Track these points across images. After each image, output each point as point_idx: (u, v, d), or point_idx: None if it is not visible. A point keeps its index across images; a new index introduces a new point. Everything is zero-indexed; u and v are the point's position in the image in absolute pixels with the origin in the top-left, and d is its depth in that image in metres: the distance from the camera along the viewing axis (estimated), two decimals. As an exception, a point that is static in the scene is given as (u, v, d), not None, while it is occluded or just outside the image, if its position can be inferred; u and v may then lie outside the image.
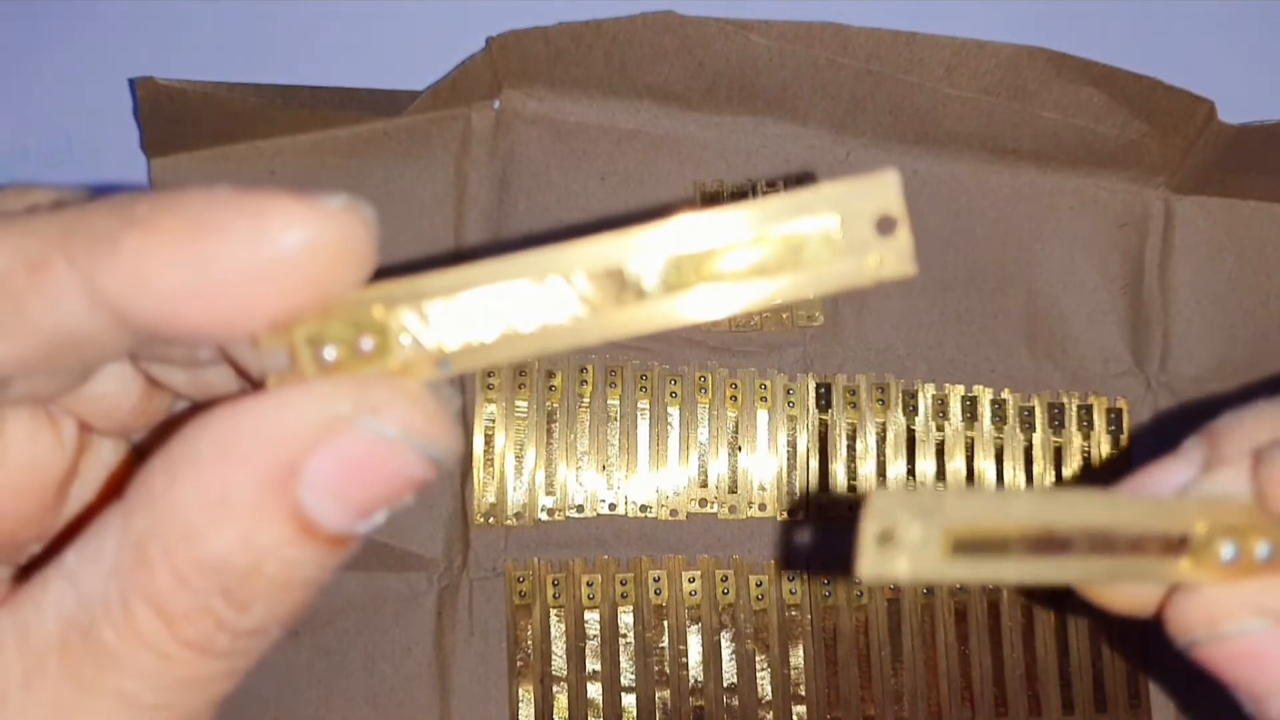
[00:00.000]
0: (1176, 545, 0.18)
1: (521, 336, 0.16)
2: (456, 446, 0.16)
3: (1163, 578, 0.19)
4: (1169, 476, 0.20)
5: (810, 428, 0.45)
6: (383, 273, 0.17)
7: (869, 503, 0.17)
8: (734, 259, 0.16)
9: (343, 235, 0.15)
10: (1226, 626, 0.18)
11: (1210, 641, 0.18)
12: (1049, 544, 0.18)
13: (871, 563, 0.17)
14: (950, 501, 0.17)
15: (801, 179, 0.46)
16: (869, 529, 0.17)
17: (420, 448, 0.16)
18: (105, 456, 0.19)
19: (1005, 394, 0.46)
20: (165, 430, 0.19)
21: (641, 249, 0.16)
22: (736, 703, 0.44)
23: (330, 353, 0.16)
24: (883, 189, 0.16)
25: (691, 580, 0.44)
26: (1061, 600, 0.45)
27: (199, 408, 0.17)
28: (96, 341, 0.16)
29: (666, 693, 0.44)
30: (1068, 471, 0.46)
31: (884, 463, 0.45)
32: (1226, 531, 0.18)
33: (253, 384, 0.17)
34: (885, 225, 0.16)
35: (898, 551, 0.17)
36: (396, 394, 0.16)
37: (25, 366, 0.16)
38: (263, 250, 0.15)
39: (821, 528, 0.45)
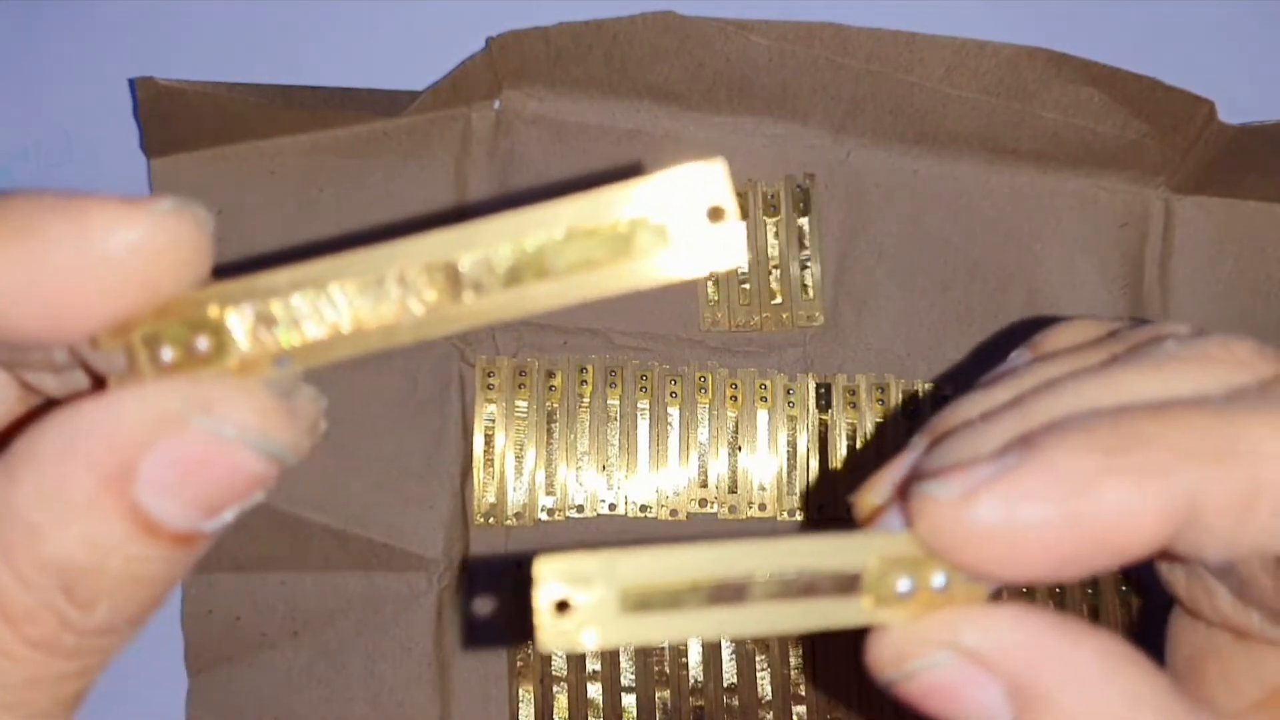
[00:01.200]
0: (851, 584, 0.18)
1: (362, 333, 0.16)
2: (299, 443, 0.17)
3: (848, 620, 0.18)
4: (893, 470, 0.21)
5: (810, 428, 0.45)
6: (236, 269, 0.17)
7: (537, 572, 0.16)
8: (567, 251, 0.16)
9: (170, 237, 0.16)
10: (914, 663, 0.18)
11: (903, 680, 0.18)
12: (726, 594, 0.17)
13: (551, 635, 0.16)
14: (621, 561, 0.17)
15: (802, 180, 0.46)
16: (542, 599, 0.16)
17: (258, 445, 0.16)
18: None
19: (1005, 394, 0.46)
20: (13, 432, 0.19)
21: (474, 244, 0.16)
22: (736, 703, 0.44)
23: (167, 353, 0.16)
24: (710, 178, 0.16)
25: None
26: (1060, 598, 0.45)
27: (44, 408, 0.17)
28: None
29: (666, 693, 0.44)
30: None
31: (884, 462, 0.45)
32: (899, 565, 0.18)
33: (99, 385, 0.18)
34: (715, 215, 0.16)
35: (577, 619, 0.16)
36: (231, 392, 0.16)
37: None
38: (86, 252, 0.15)
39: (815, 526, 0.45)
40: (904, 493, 0.19)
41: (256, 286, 0.16)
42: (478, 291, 0.16)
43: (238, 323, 0.16)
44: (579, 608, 0.16)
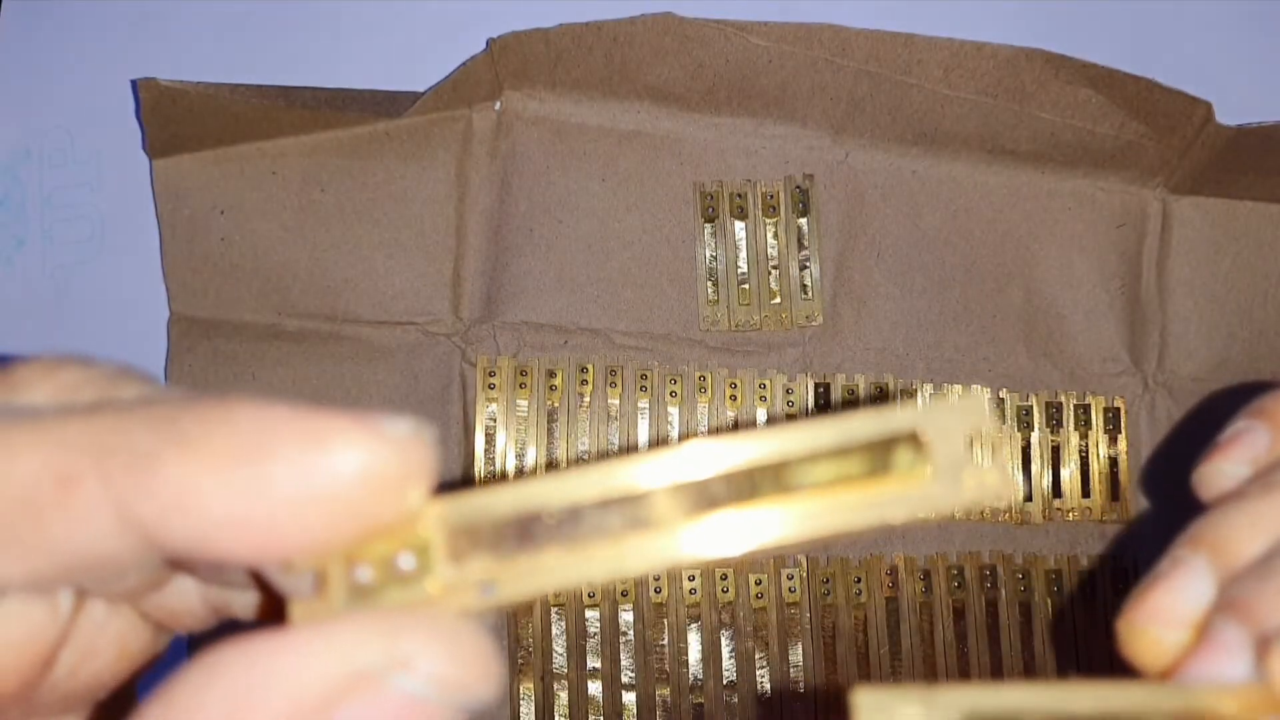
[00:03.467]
0: None
1: (578, 559, 0.15)
2: (495, 689, 0.14)
3: None
4: (1175, 597, 0.20)
5: (809, 427, 0.45)
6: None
7: (856, 703, 0.15)
8: (814, 471, 0.15)
9: (404, 465, 0.14)
10: None
11: None
12: None
13: None
14: (945, 696, 0.15)
15: (801, 181, 0.46)
16: None
17: (460, 703, 0.14)
18: (98, 617, 0.17)
19: (1003, 393, 0.46)
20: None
21: (708, 465, 0.15)
22: (736, 700, 0.44)
23: (365, 573, 0.15)
24: (973, 410, 0.15)
25: (691, 578, 0.44)
26: (1060, 597, 0.45)
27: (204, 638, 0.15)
28: (118, 561, 0.14)
29: (666, 690, 0.44)
30: (1065, 470, 0.46)
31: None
32: (1261, 709, 0.17)
33: (269, 598, 0.16)
34: (973, 443, 0.15)
35: None
36: (433, 640, 0.14)
37: (32, 584, 0.15)
38: (317, 481, 0.14)
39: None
40: (1207, 632, 0.18)
41: (477, 505, 0.15)
42: (711, 507, 0.15)
43: (452, 541, 0.15)
44: None
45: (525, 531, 0.15)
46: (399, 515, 0.14)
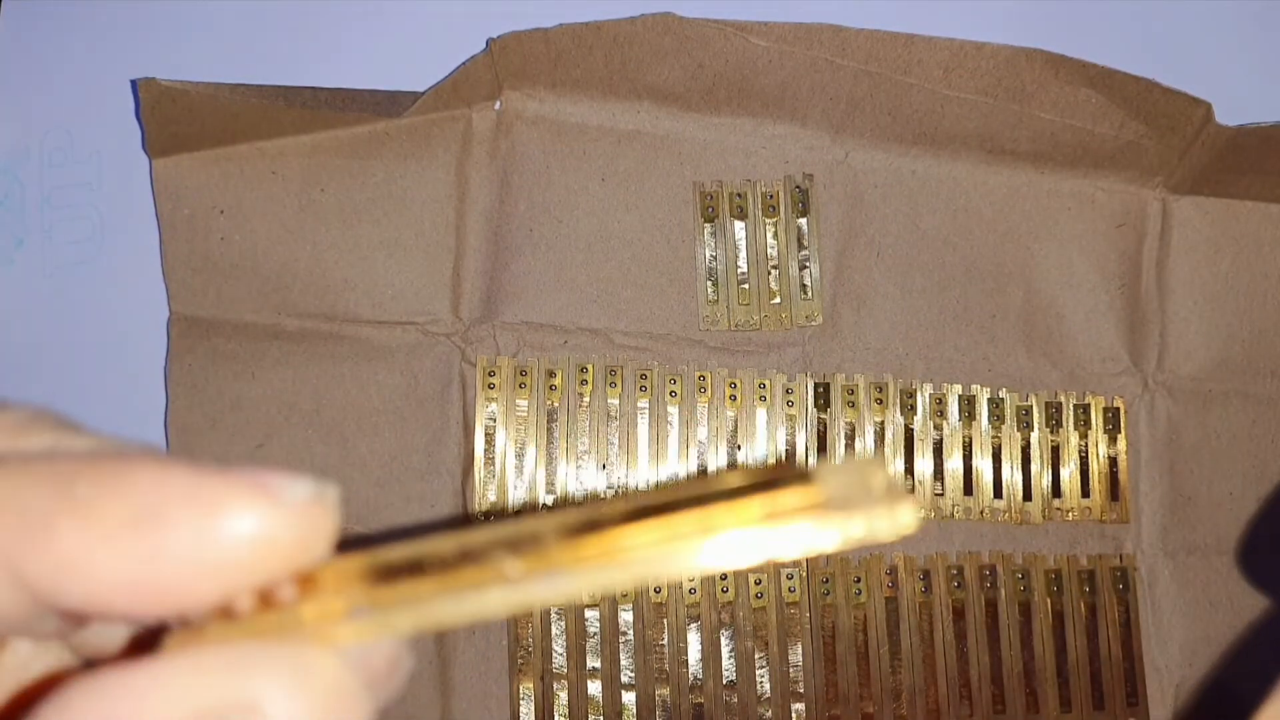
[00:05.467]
0: None
1: (456, 590, 0.15)
2: (365, 715, 0.14)
3: None
4: None
5: (809, 426, 0.45)
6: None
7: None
8: (709, 512, 0.15)
9: (302, 530, 0.14)
10: None
11: None
12: None
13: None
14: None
15: (801, 181, 0.46)
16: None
17: None
18: (23, 656, 0.17)
19: (1003, 393, 0.46)
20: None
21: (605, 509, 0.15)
22: (735, 700, 0.44)
23: (243, 600, 0.15)
24: (872, 466, 0.15)
25: (691, 578, 0.44)
26: (1060, 598, 0.45)
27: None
28: (10, 616, 0.14)
29: (666, 690, 0.44)
30: (1065, 470, 0.46)
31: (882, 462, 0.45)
32: None
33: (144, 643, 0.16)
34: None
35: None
36: (284, 677, 0.14)
37: None
38: (210, 547, 0.14)
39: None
40: None
41: (373, 558, 0.15)
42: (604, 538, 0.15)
43: (328, 575, 0.15)
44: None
45: (415, 569, 0.15)
46: (295, 572, 0.14)
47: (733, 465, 0.45)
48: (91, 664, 0.17)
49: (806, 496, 0.14)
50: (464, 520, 0.45)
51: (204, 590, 0.14)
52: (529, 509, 0.44)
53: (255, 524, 0.14)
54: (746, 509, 0.14)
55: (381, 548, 0.15)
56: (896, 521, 0.14)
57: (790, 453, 0.45)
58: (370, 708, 0.14)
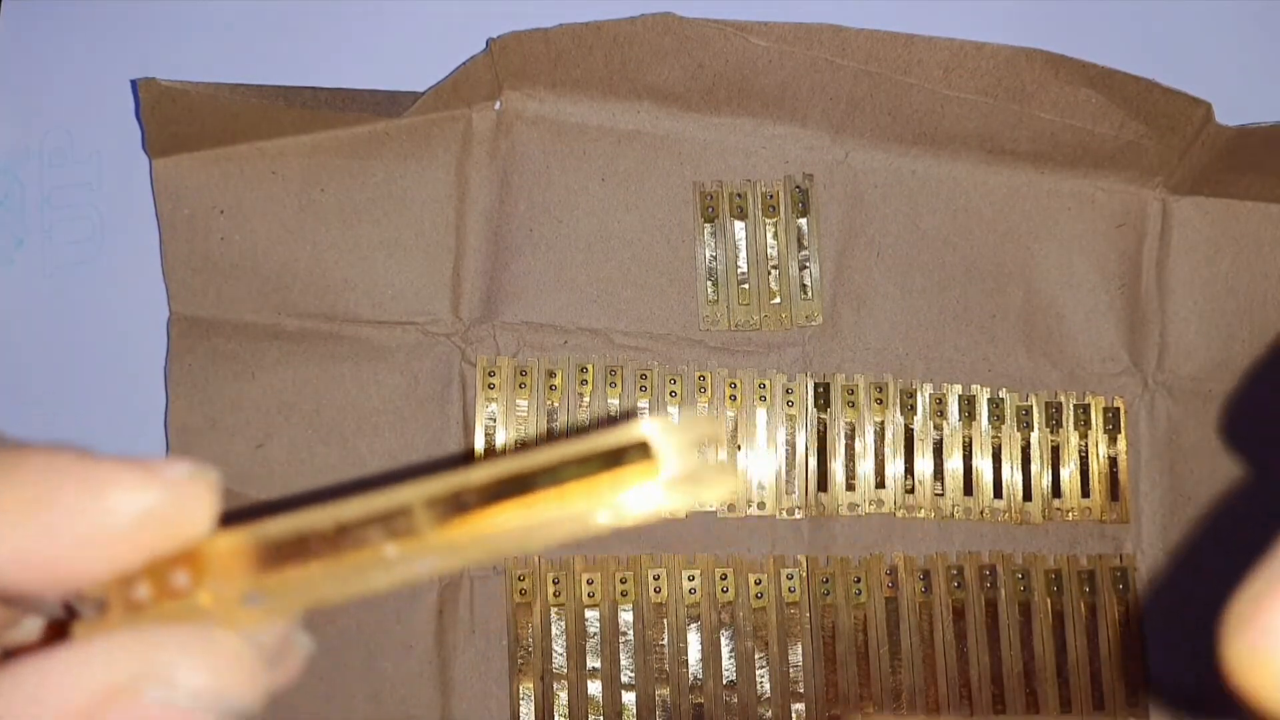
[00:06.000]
0: None
1: (339, 570, 0.16)
2: (260, 693, 0.16)
3: None
4: None
5: (809, 427, 0.45)
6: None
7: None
8: (557, 479, 0.16)
9: (181, 506, 0.16)
10: None
11: None
12: None
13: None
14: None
15: (801, 181, 0.46)
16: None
17: (217, 708, 0.15)
18: None
19: (1003, 393, 0.46)
20: None
21: (474, 478, 0.16)
22: (736, 700, 0.44)
23: (142, 590, 0.16)
24: (701, 423, 0.17)
25: (691, 578, 0.44)
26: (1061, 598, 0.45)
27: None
28: None
29: (666, 690, 0.44)
30: (1065, 470, 0.46)
31: (882, 461, 0.45)
32: None
33: (59, 630, 0.17)
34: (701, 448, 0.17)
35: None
36: (192, 649, 0.15)
37: None
38: (98, 523, 0.15)
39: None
40: None
41: (255, 531, 0.16)
42: (467, 512, 0.16)
43: (220, 560, 0.16)
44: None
45: (301, 550, 0.16)
46: (182, 546, 0.16)
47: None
48: (10, 654, 0.18)
49: (647, 463, 0.16)
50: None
51: (98, 564, 0.15)
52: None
53: (139, 500, 0.15)
54: (594, 482, 0.16)
55: (264, 522, 0.16)
56: (720, 482, 0.16)
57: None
58: (267, 680, 0.16)
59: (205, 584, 0.16)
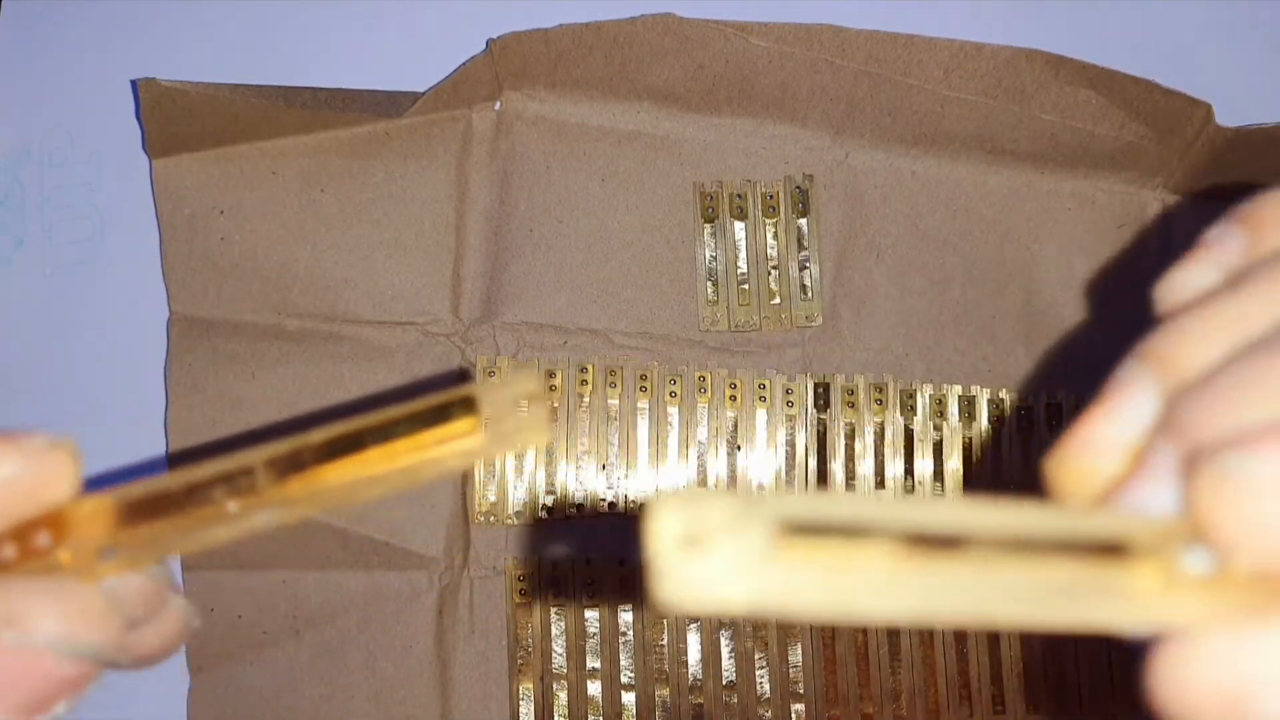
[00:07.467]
0: (1113, 551, 0.14)
1: (186, 528, 0.18)
2: (115, 639, 0.17)
3: (1118, 602, 0.14)
4: (1112, 421, 0.16)
5: (809, 427, 0.45)
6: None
7: (662, 503, 0.13)
8: (389, 437, 0.18)
9: (40, 473, 0.17)
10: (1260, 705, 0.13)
11: None
12: (930, 544, 0.13)
13: (675, 581, 0.13)
14: (780, 501, 0.14)
15: (801, 181, 0.46)
16: (664, 531, 0.13)
17: (69, 652, 0.17)
18: None
19: (1003, 393, 0.46)
20: None
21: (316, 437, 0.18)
22: (735, 700, 0.44)
23: (7, 550, 0.18)
24: (522, 379, 0.18)
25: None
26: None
27: None
28: None
29: (666, 690, 0.44)
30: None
31: (882, 462, 0.45)
32: (1172, 538, 0.14)
33: None
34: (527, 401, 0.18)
35: (712, 562, 0.13)
36: (44, 598, 0.17)
37: None
38: None
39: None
40: (1142, 458, 0.15)
41: (116, 494, 0.18)
42: (308, 469, 0.18)
43: (81, 521, 0.18)
44: (717, 544, 0.13)
45: (156, 509, 0.18)
46: (48, 509, 0.18)
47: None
48: None
49: (469, 418, 0.17)
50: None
51: None
52: (529, 510, 0.44)
53: (1, 470, 0.17)
54: (420, 438, 0.17)
55: (123, 486, 0.18)
56: (535, 432, 0.17)
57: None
58: (120, 626, 0.17)
59: (66, 543, 0.18)
